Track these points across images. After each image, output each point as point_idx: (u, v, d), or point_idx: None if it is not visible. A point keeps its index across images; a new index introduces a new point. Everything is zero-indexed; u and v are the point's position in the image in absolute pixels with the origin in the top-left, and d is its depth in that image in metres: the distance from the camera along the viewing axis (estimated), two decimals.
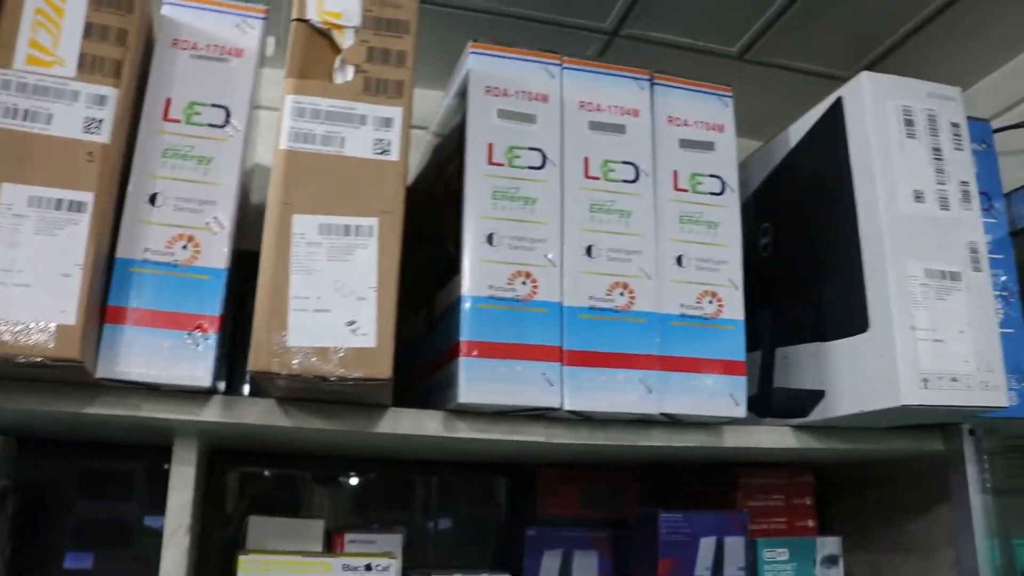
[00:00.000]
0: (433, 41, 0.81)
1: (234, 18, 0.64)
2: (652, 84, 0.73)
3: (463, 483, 0.94)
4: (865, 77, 0.71)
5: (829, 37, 0.97)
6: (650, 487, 0.94)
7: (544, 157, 0.68)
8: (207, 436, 0.67)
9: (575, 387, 0.64)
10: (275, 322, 0.55)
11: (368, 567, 0.67)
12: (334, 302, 0.56)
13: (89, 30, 0.57)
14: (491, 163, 0.66)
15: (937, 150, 0.70)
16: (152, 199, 0.59)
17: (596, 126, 0.70)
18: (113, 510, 0.82)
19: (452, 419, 0.65)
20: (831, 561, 0.83)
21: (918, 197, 0.69)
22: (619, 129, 0.70)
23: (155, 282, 0.57)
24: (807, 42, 0.98)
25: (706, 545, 0.78)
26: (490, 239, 0.65)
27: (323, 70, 0.61)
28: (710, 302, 0.69)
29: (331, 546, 0.75)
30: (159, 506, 0.63)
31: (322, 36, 0.62)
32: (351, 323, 0.56)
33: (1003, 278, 0.76)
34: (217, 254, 0.59)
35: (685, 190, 0.71)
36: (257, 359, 0.55)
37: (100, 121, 0.56)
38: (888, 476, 0.86)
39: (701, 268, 0.70)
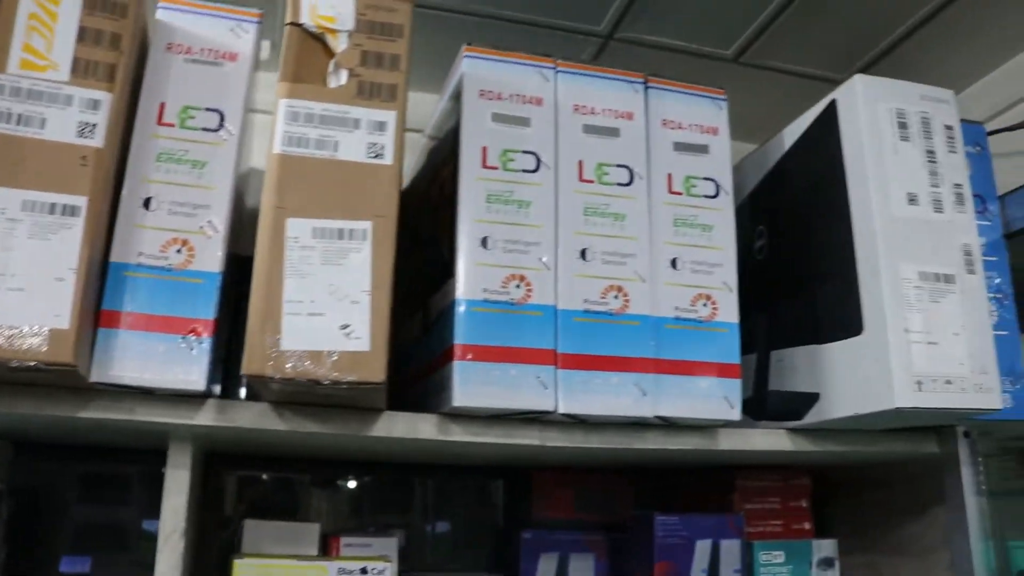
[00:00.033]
0: (428, 44, 0.81)
1: (228, 22, 0.64)
2: (646, 87, 0.73)
3: (459, 486, 0.94)
4: (858, 80, 0.71)
5: (823, 40, 0.97)
6: (646, 489, 0.94)
7: (538, 160, 0.68)
8: (202, 440, 0.67)
9: (569, 390, 0.64)
10: (269, 326, 0.55)
11: (364, 571, 0.67)
12: (328, 306, 0.56)
13: (83, 34, 0.57)
14: (485, 166, 0.66)
15: (931, 153, 0.70)
16: (146, 203, 0.59)
17: (590, 129, 0.70)
18: (109, 514, 0.82)
19: (447, 423, 0.65)
20: (827, 564, 0.83)
21: (912, 200, 0.69)
22: (613, 132, 0.71)
23: (149, 286, 0.58)
24: (802, 45, 0.98)
25: (702, 548, 0.78)
26: (484, 242, 0.65)
27: (317, 74, 0.61)
28: (704, 305, 0.69)
29: (327, 550, 0.75)
30: (156, 510, 0.63)
31: (316, 40, 0.62)
32: (345, 327, 0.56)
33: (997, 280, 0.76)
34: (211, 258, 0.59)
35: (679, 193, 0.71)
36: (250, 363, 0.55)
37: (94, 125, 0.56)
38: (884, 478, 0.86)
39: (695, 271, 0.70)
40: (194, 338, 0.57)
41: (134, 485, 0.82)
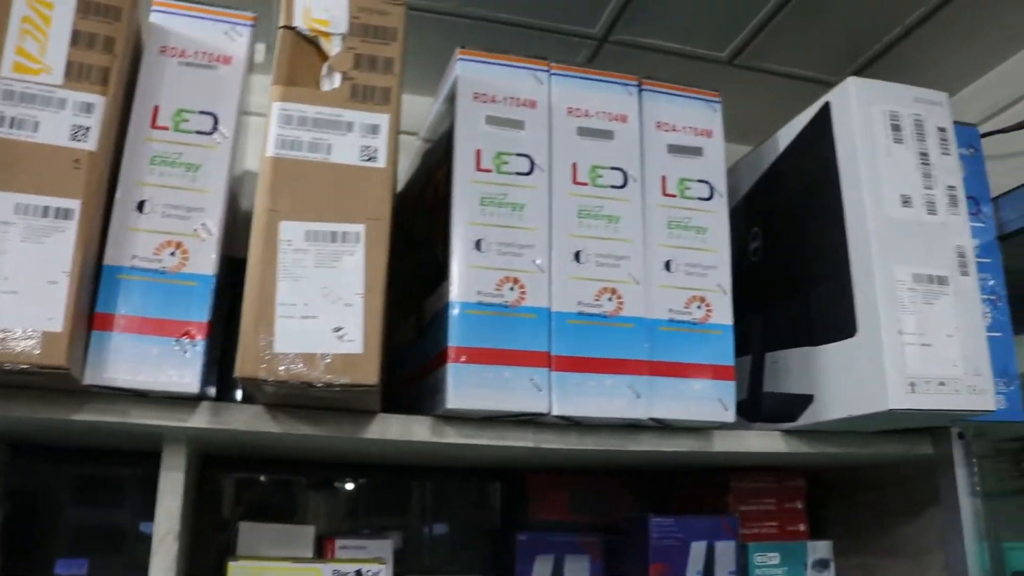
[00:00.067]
0: (423, 47, 0.81)
1: (222, 25, 0.64)
2: (640, 90, 0.73)
3: (455, 488, 0.94)
4: (852, 82, 0.71)
5: (818, 42, 0.97)
6: (641, 491, 0.94)
7: (532, 163, 0.68)
8: (196, 442, 0.67)
9: (563, 392, 0.64)
10: (262, 328, 0.56)
11: (359, 573, 0.67)
12: (321, 308, 0.56)
13: (76, 38, 0.57)
14: (479, 169, 0.67)
15: (924, 155, 0.71)
16: (140, 206, 0.59)
17: (584, 132, 0.70)
18: (105, 516, 0.82)
19: (440, 425, 0.65)
20: (822, 565, 0.83)
21: (905, 202, 0.69)
22: (607, 135, 0.71)
23: (143, 289, 0.58)
24: (796, 47, 0.98)
25: (697, 549, 0.78)
26: (478, 245, 0.65)
27: (310, 77, 0.61)
28: (699, 307, 0.69)
29: (322, 552, 0.75)
30: (152, 512, 0.63)
31: (309, 43, 0.62)
32: (338, 329, 0.56)
33: (991, 282, 0.77)
34: (205, 261, 0.59)
35: (673, 195, 0.72)
36: (244, 365, 0.55)
37: (87, 128, 0.56)
38: (878, 480, 0.86)
39: (690, 273, 0.70)
40: (188, 341, 0.58)
41: (130, 487, 0.82)
